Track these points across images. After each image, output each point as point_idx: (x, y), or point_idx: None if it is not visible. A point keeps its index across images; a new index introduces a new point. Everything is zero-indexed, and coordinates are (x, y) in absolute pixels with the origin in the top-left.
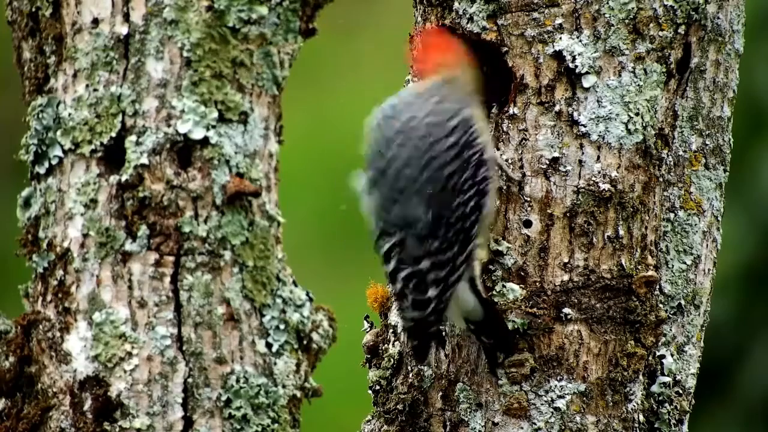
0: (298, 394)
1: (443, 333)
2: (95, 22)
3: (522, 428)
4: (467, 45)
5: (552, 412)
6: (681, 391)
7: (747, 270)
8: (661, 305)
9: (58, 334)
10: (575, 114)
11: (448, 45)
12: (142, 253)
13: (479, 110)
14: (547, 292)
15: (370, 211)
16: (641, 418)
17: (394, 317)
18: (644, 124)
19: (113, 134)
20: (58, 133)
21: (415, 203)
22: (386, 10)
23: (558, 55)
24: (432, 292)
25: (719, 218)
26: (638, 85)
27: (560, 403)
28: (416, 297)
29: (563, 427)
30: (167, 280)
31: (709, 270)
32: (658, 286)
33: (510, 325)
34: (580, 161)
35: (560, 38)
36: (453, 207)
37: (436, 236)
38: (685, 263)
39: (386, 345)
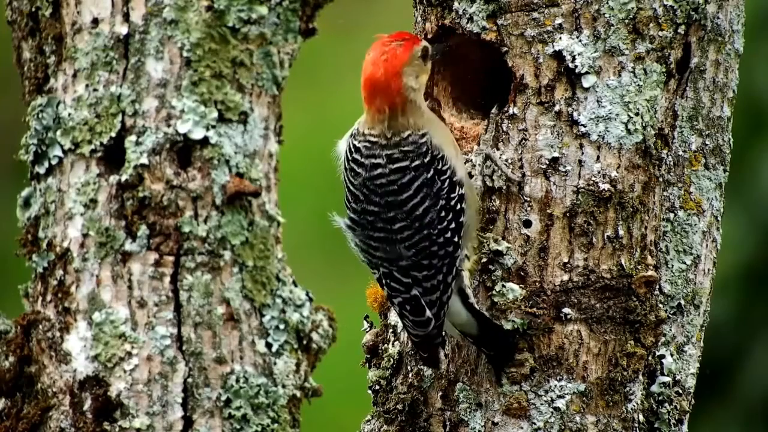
0: (298, 394)
1: (444, 333)
2: (95, 22)
3: (522, 428)
4: (463, 44)
5: (552, 412)
6: (681, 391)
7: (747, 270)
8: (660, 305)
9: (57, 334)
10: (575, 114)
11: (387, 81)
12: (142, 253)
13: (439, 128)
14: (546, 292)
15: (355, 249)
16: (641, 418)
17: (393, 317)
18: (644, 124)
19: (113, 134)
20: (58, 133)
21: (395, 246)
22: (386, 10)
23: (558, 55)
24: (429, 313)
25: (719, 218)
26: (638, 85)
27: (560, 403)
28: (415, 318)
29: (563, 427)
30: (167, 280)
31: (708, 270)
32: (657, 286)
33: (510, 325)
34: (580, 161)
35: (560, 38)
36: (433, 238)
37: (422, 267)
38: (684, 263)
39: (386, 345)
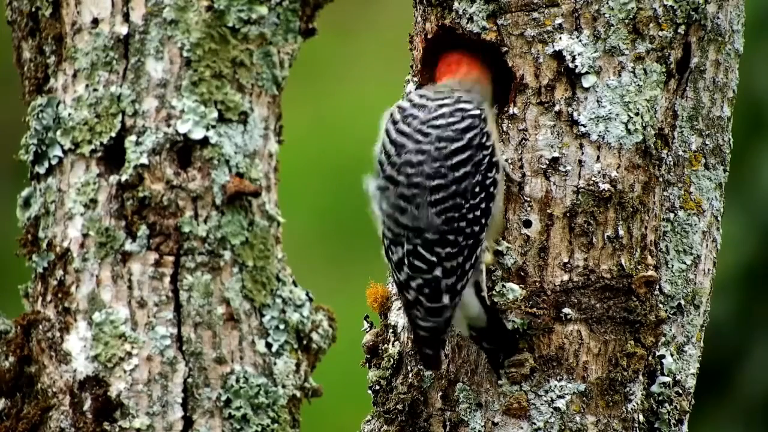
0: (298, 394)
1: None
2: (95, 22)
3: (522, 428)
4: (472, 51)
5: (552, 412)
6: (681, 391)
7: (747, 270)
8: (661, 305)
9: (57, 334)
10: (575, 114)
11: (475, 64)
12: (142, 253)
13: (491, 113)
14: (546, 292)
15: (379, 218)
16: (641, 418)
17: (394, 317)
18: (644, 124)
19: (113, 134)
20: (58, 133)
21: (425, 209)
22: (386, 10)
23: (558, 55)
24: (446, 299)
25: (719, 218)
26: (638, 85)
27: (560, 403)
28: (431, 305)
29: (563, 427)
30: (167, 280)
31: (709, 270)
32: (658, 286)
33: (510, 325)
34: (580, 161)
35: (560, 38)
36: (463, 212)
37: (447, 242)
38: (685, 263)
39: (386, 345)
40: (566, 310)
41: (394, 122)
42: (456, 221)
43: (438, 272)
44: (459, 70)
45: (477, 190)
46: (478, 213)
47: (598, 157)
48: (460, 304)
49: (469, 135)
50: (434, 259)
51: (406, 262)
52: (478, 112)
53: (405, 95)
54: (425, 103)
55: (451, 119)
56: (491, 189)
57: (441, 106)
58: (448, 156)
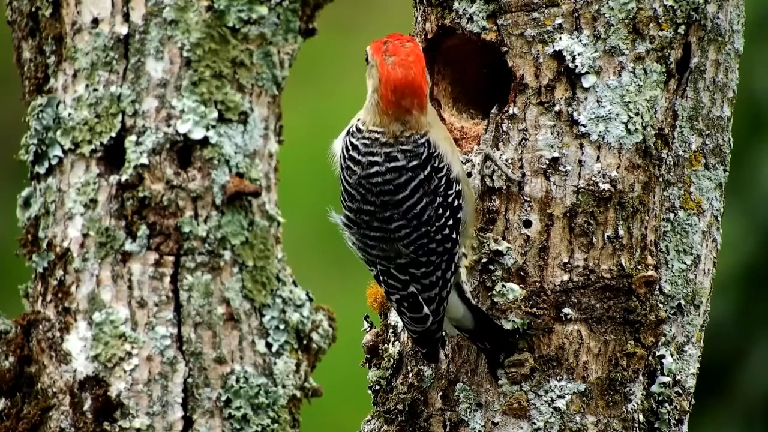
0: (298, 394)
1: (444, 333)
2: (95, 22)
3: (522, 428)
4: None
5: (552, 412)
6: (681, 391)
7: (747, 270)
8: (661, 305)
9: (58, 334)
10: (575, 114)
11: (412, 86)
12: (142, 253)
13: (438, 126)
14: (547, 292)
15: (352, 247)
16: (641, 418)
17: (394, 317)
18: (644, 124)
19: (113, 134)
20: (58, 133)
21: (393, 244)
22: (386, 10)
23: (558, 55)
24: (427, 309)
25: (719, 218)
26: (638, 85)
27: (560, 403)
28: (413, 315)
29: (563, 427)
30: (167, 280)
31: (709, 270)
32: (658, 286)
33: (510, 325)
34: (580, 161)
35: (560, 38)
36: (431, 236)
37: (420, 264)
38: (685, 263)
39: (386, 345)
40: (566, 310)
41: (341, 167)
42: (426, 245)
43: (414, 288)
44: (412, 108)
45: (440, 211)
46: (446, 231)
47: (598, 157)
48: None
49: (419, 172)
50: (407, 278)
51: (381, 280)
52: (422, 146)
53: (349, 133)
54: (359, 159)
55: (388, 176)
56: (455, 202)
57: (372, 164)
58: (396, 205)
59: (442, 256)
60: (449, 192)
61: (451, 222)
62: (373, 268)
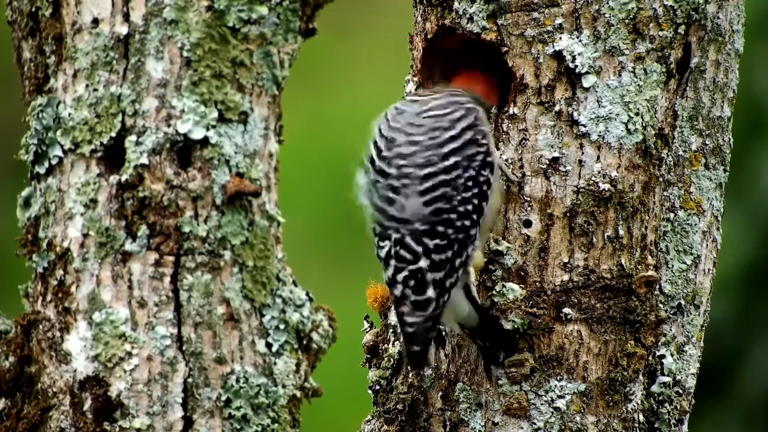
0: (298, 394)
1: (443, 333)
2: (95, 22)
3: (522, 428)
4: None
5: (552, 412)
6: (681, 391)
7: (747, 270)
8: (661, 305)
9: (58, 334)
10: (575, 114)
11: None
12: (142, 253)
13: (486, 117)
14: (547, 292)
15: (369, 213)
16: (641, 418)
17: (394, 317)
18: (644, 124)
19: (113, 134)
20: (58, 133)
21: (414, 198)
22: (386, 10)
23: (558, 55)
24: (431, 293)
25: (719, 218)
26: (638, 85)
27: (560, 403)
28: (416, 297)
29: (563, 427)
30: (167, 280)
31: (709, 270)
32: (658, 286)
33: (510, 325)
34: (580, 161)
35: (560, 38)
36: (453, 204)
37: (435, 234)
38: (685, 263)
39: (386, 345)
40: (566, 310)
41: (387, 119)
42: (446, 212)
43: (423, 264)
44: (471, 83)
45: (470, 184)
46: (469, 207)
47: (599, 157)
48: (450, 305)
49: (462, 125)
50: (420, 249)
51: (392, 253)
52: (472, 105)
53: (404, 95)
54: (418, 99)
55: (445, 110)
56: (484, 187)
57: (435, 98)
58: (440, 145)
59: (458, 233)
60: (483, 171)
61: (475, 201)
62: (385, 242)
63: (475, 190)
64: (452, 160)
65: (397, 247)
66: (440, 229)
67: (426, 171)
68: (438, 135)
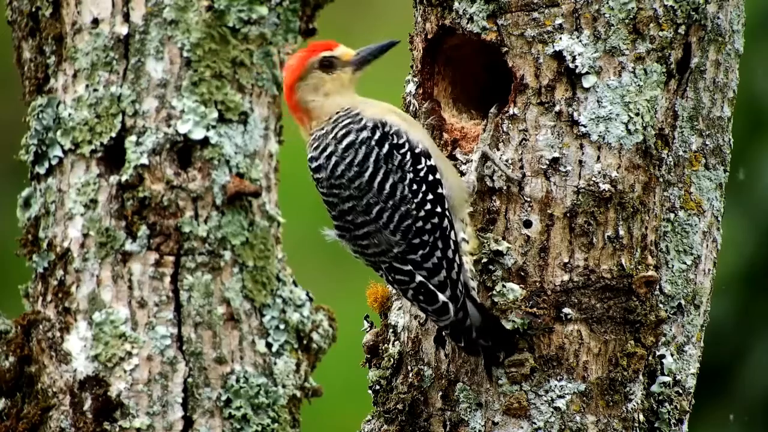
0: (298, 393)
1: (444, 333)
2: (95, 22)
3: (522, 428)
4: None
5: (552, 412)
6: (681, 391)
7: (747, 270)
8: (661, 305)
9: (58, 334)
10: (575, 114)
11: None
12: (142, 253)
13: (372, 105)
14: (547, 292)
15: (353, 255)
16: (641, 417)
17: (394, 317)
18: (644, 124)
19: (113, 134)
20: (58, 133)
21: (382, 235)
22: (386, 10)
23: (558, 55)
24: (443, 297)
25: (719, 218)
26: (638, 85)
27: (560, 403)
28: (432, 307)
29: (563, 427)
30: (167, 280)
31: (709, 270)
32: (658, 286)
33: (510, 325)
34: (580, 161)
35: (560, 38)
36: (413, 213)
37: (415, 247)
38: (685, 263)
39: (386, 345)
40: (566, 310)
41: (317, 185)
42: (412, 226)
43: (420, 277)
44: (297, 118)
45: (415, 187)
46: (429, 207)
47: (599, 158)
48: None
49: (372, 158)
50: (410, 267)
51: (391, 280)
52: (363, 134)
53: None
54: (320, 163)
55: (346, 160)
56: (429, 177)
57: (329, 156)
58: (368, 187)
59: (434, 234)
60: (419, 167)
61: (430, 197)
62: (380, 271)
63: (423, 187)
64: (387, 188)
65: (392, 274)
66: (416, 241)
67: (375, 211)
68: (360, 179)
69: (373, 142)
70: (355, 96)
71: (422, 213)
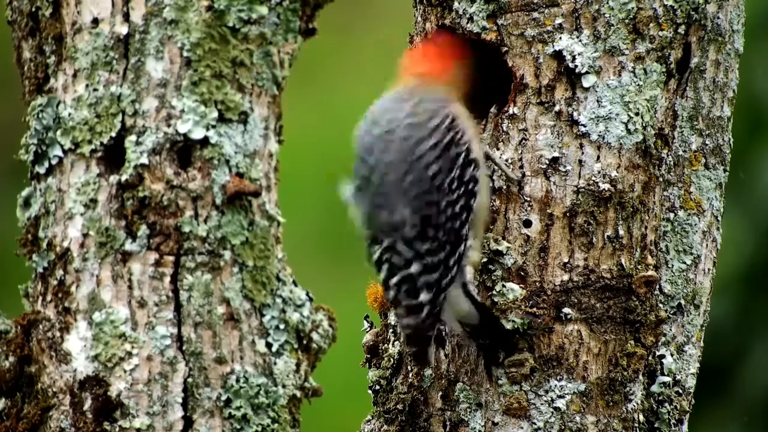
0: (298, 393)
1: (443, 333)
2: (95, 21)
3: (522, 428)
4: (464, 45)
5: (552, 412)
6: (681, 391)
7: (747, 270)
8: (661, 305)
9: (58, 333)
10: (575, 114)
11: (439, 54)
12: (142, 253)
13: (462, 109)
14: (547, 292)
15: (359, 220)
16: (641, 418)
17: (394, 317)
18: (644, 124)
19: (113, 134)
20: (58, 133)
21: (401, 207)
22: (386, 10)
23: (558, 55)
24: (424, 297)
25: (719, 218)
26: (638, 85)
27: (560, 403)
28: (409, 302)
29: (563, 427)
30: (167, 279)
31: (709, 270)
32: (658, 286)
33: (510, 325)
34: (580, 161)
35: (560, 38)
36: (441, 207)
37: (426, 238)
38: (685, 263)
39: (386, 345)
40: (566, 310)
41: (366, 124)
42: (433, 217)
43: (414, 269)
44: (421, 68)
45: (455, 186)
46: (457, 209)
47: (598, 157)
48: (450, 303)
49: (439, 133)
50: (411, 255)
51: (384, 259)
52: (445, 112)
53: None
54: (392, 105)
55: (420, 118)
56: (470, 186)
57: (408, 106)
58: (419, 154)
59: (449, 236)
60: (465, 171)
61: (463, 202)
62: (376, 247)
63: (461, 191)
64: (432, 168)
65: (389, 254)
66: (431, 233)
67: (407, 181)
68: (416, 143)
69: (444, 126)
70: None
71: (449, 212)
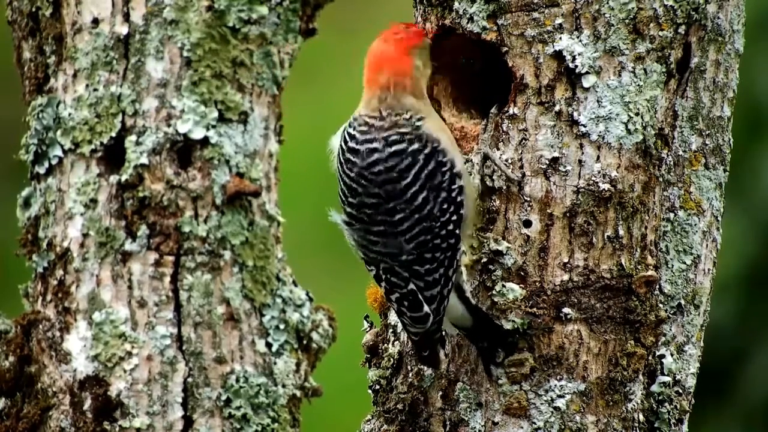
0: (298, 393)
1: (444, 333)
2: (95, 22)
3: (522, 428)
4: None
5: (552, 412)
6: (681, 391)
7: (747, 270)
8: (661, 305)
9: (58, 333)
10: (575, 114)
11: (395, 56)
12: (142, 253)
13: (436, 117)
14: (547, 291)
15: (353, 246)
16: (641, 417)
17: (393, 317)
18: (644, 124)
19: (113, 134)
20: (58, 133)
21: (395, 239)
22: (386, 10)
23: (558, 55)
24: (428, 308)
25: (719, 218)
26: (638, 85)
27: (560, 403)
28: (413, 314)
29: (563, 427)
30: (167, 279)
31: (709, 270)
32: (658, 286)
33: (510, 325)
34: (580, 161)
35: (560, 38)
36: (435, 231)
37: (424, 261)
38: (685, 263)
39: (386, 344)
40: (566, 310)
41: (340, 162)
42: (430, 242)
43: (414, 286)
44: (384, 77)
45: (445, 207)
46: (451, 227)
47: (598, 157)
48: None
49: (414, 170)
50: (410, 275)
51: (382, 277)
52: (421, 131)
53: (347, 125)
54: (358, 148)
55: (390, 162)
56: (458, 198)
57: (372, 151)
58: (399, 194)
59: (446, 253)
60: (453, 187)
61: (455, 218)
62: (372, 267)
63: (452, 209)
64: (419, 199)
65: (387, 275)
66: (428, 256)
67: (397, 217)
68: (393, 187)
69: (421, 156)
70: (426, 98)
71: (443, 232)
